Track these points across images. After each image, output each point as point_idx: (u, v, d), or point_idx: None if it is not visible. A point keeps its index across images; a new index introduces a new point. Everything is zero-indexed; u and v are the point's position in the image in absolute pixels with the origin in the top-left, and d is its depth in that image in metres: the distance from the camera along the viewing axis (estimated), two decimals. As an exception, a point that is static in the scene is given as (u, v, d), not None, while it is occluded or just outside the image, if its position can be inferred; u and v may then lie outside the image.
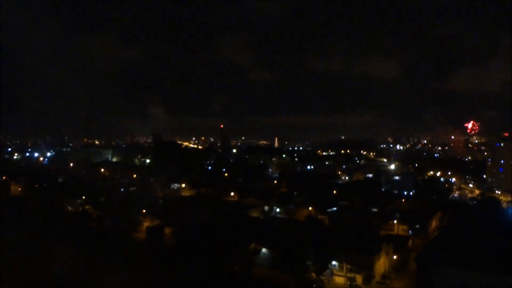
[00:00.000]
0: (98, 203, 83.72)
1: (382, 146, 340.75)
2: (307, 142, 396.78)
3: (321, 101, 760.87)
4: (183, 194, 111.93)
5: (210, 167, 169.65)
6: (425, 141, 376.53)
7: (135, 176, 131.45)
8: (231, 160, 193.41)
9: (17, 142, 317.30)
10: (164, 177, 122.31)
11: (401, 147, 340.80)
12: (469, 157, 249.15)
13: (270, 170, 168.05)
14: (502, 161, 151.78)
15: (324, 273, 52.40)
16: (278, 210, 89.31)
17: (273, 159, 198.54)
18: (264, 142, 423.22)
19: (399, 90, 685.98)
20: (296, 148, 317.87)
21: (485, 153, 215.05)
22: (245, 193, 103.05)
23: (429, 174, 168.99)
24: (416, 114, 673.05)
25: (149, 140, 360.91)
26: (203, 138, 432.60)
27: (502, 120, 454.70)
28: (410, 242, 66.45)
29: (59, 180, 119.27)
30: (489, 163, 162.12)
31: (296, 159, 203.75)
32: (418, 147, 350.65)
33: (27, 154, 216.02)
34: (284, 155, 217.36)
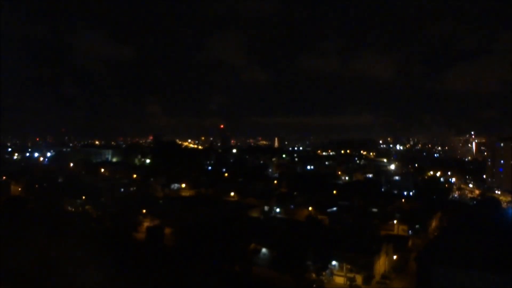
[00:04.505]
0: (98, 203, 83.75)
1: (382, 146, 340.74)
2: (307, 142, 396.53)
3: (320, 101, 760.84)
4: (183, 194, 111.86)
5: (210, 167, 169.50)
6: (425, 141, 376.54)
7: (135, 176, 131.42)
8: (231, 160, 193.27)
9: (17, 142, 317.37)
10: (164, 177, 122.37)
11: (401, 147, 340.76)
12: (469, 157, 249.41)
13: (270, 170, 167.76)
14: (502, 161, 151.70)
15: (324, 273, 52.44)
16: (278, 210, 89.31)
17: (273, 159, 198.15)
18: (264, 142, 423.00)
19: (398, 90, 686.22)
20: (296, 148, 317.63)
21: (485, 153, 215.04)
22: (245, 193, 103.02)
23: (429, 174, 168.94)
24: (414, 114, 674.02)
25: (149, 140, 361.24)
26: (203, 138, 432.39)
27: (502, 119, 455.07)
28: (410, 242, 66.50)
29: (59, 180, 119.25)
30: (489, 163, 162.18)
31: (296, 159, 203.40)
32: (418, 147, 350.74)
33: (27, 154, 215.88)
34: (284, 155, 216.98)
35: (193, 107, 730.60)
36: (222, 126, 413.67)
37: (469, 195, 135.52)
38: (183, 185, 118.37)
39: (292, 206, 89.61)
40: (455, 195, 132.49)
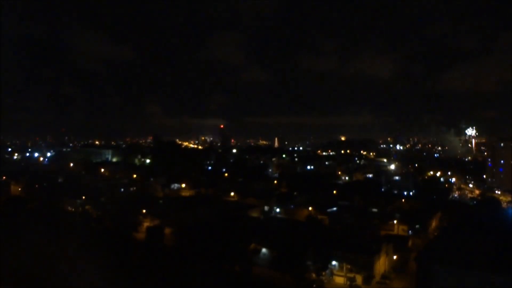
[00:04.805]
0: (98, 203, 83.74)
1: (382, 146, 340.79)
2: (307, 142, 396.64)
3: (320, 101, 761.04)
4: (183, 194, 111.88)
5: (210, 167, 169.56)
6: (425, 141, 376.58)
7: (135, 176, 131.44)
8: (231, 160, 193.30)
9: (17, 142, 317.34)
10: (164, 177, 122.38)
11: (401, 147, 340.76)
12: (469, 157, 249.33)
13: (270, 170, 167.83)
14: (502, 161, 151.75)
15: (324, 273, 52.43)
16: (278, 210, 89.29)
17: (273, 159, 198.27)
18: (264, 142, 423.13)
19: (398, 90, 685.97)
20: (296, 148, 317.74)
21: (485, 153, 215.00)
22: (245, 193, 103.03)
23: (429, 174, 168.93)
24: (414, 114, 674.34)
25: (149, 140, 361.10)
26: (203, 138, 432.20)
27: (501, 119, 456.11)
28: (410, 242, 66.47)
29: (59, 180, 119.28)
30: (489, 163, 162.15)
31: (296, 159, 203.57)
32: (418, 147, 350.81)
33: (27, 154, 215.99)
34: (284, 155, 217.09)
35: (193, 107, 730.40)
36: (222, 126, 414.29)
37: (469, 195, 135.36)
38: (183, 185, 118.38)
39: (292, 206, 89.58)
40: (455, 195, 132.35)
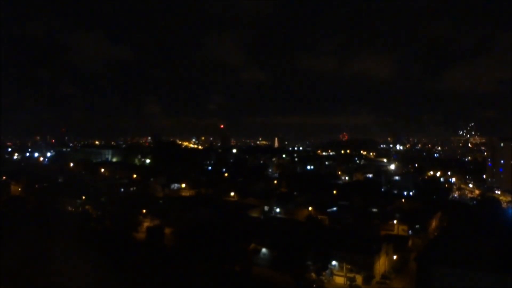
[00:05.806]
0: (98, 203, 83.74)
1: (382, 146, 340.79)
2: (307, 142, 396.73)
3: (320, 101, 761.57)
4: (183, 194, 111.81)
5: (210, 167, 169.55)
6: (425, 141, 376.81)
7: (135, 176, 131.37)
8: (231, 160, 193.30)
9: (17, 142, 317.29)
10: (164, 177, 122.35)
11: (401, 147, 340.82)
12: (469, 157, 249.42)
13: (270, 170, 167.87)
14: (502, 161, 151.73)
15: (324, 273, 52.44)
16: (278, 210, 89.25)
17: (273, 159, 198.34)
18: (264, 142, 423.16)
19: (397, 90, 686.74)
20: (296, 148, 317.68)
21: (485, 153, 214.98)
22: (245, 193, 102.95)
23: (429, 174, 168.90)
24: (414, 114, 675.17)
25: (149, 140, 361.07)
26: (203, 138, 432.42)
27: (501, 119, 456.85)
28: (410, 242, 66.48)
29: (59, 180, 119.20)
30: (489, 163, 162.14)
31: (296, 159, 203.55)
32: (418, 147, 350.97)
33: (27, 154, 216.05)
34: (284, 155, 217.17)
35: (193, 107, 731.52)
36: (222, 126, 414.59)
37: (469, 195, 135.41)
38: (183, 185, 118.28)
39: (292, 206, 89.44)
40: (455, 195, 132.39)
